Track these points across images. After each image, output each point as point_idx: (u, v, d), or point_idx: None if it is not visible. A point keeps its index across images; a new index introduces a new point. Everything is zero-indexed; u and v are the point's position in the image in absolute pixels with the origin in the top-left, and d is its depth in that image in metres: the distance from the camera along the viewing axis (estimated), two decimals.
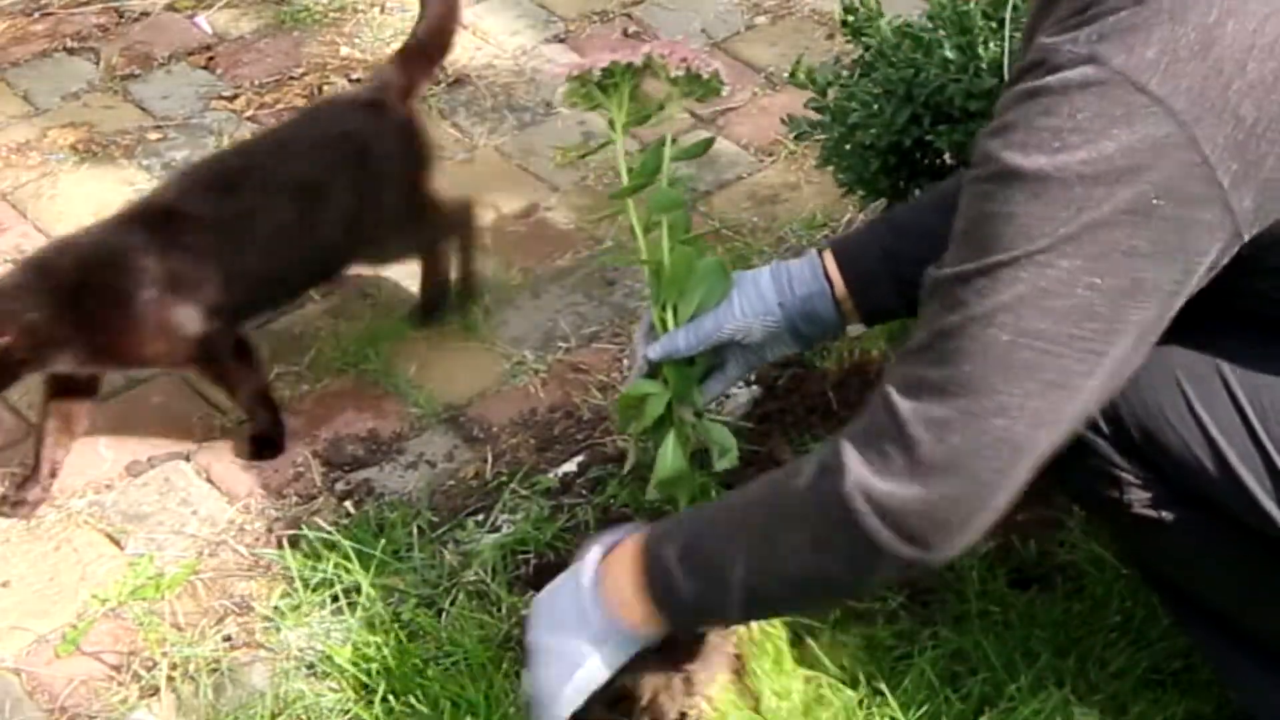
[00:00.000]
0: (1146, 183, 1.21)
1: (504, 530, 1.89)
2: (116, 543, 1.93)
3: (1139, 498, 1.46)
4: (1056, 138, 1.22)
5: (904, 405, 1.30)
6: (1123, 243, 1.22)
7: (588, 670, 1.50)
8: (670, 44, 1.66)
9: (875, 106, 1.93)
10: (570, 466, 1.99)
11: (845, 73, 2.00)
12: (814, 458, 1.39)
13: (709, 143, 1.76)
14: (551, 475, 1.97)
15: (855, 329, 1.83)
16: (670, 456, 1.69)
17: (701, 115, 2.62)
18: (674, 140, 1.70)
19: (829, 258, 1.70)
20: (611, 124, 1.66)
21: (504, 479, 1.97)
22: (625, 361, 2.14)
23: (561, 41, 2.82)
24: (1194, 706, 1.67)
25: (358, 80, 2.71)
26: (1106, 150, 1.21)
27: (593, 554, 1.52)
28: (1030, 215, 1.23)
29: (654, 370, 1.71)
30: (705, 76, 1.65)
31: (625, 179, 1.68)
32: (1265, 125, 1.21)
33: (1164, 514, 1.45)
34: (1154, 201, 1.21)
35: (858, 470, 1.32)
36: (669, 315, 1.69)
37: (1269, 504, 1.38)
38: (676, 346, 1.67)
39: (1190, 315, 1.30)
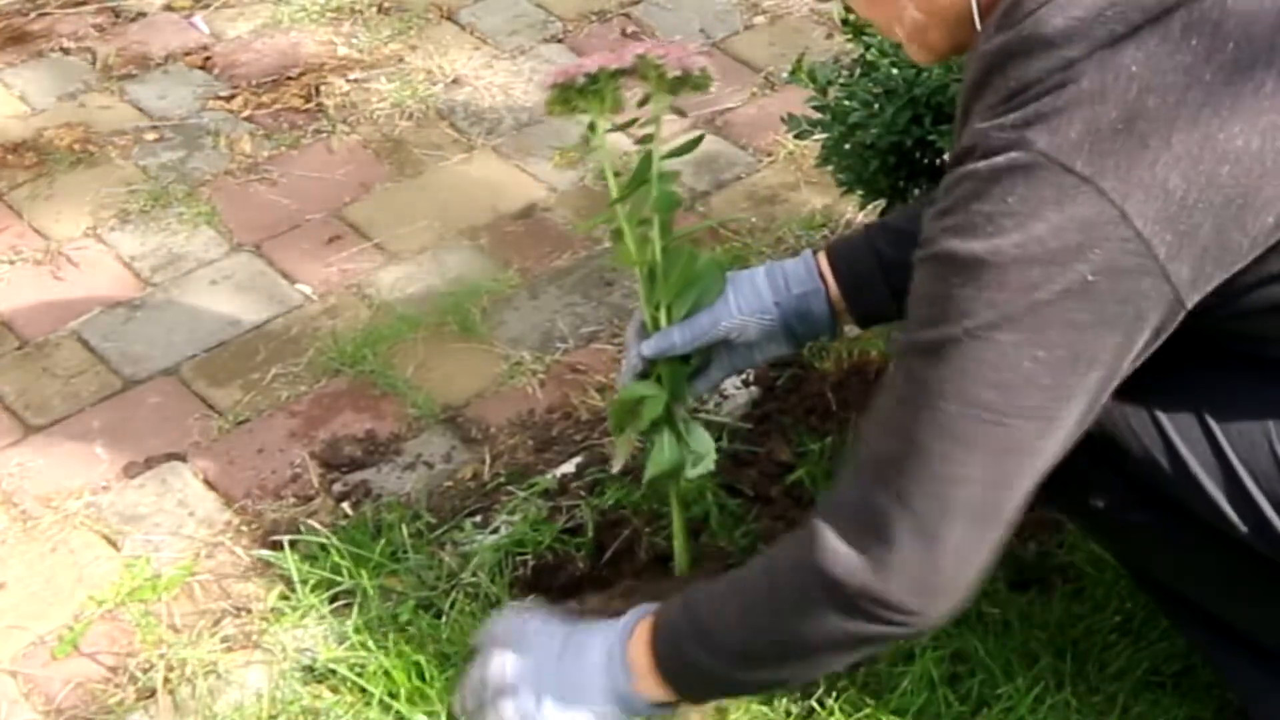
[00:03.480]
0: (1082, 261, 1.23)
1: (502, 531, 1.89)
2: (113, 544, 1.93)
3: (1106, 501, 1.47)
4: (990, 222, 1.25)
5: (869, 485, 1.34)
6: (1062, 317, 1.25)
7: None
8: (663, 44, 1.65)
9: (876, 106, 1.93)
10: (568, 467, 1.98)
11: (845, 72, 2.00)
12: (795, 541, 1.42)
13: (698, 140, 1.75)
14: (550, 476, 1.97)
15: (853, 330, 1.83)
16: (666, 451, 1.68)
17: (696, 114, 2.62)
18: (660, 139, 1.68)
19: (824, 259, 1.71)
20: (592, 128, 1.65)
21: (502, 480, 1.97)
22: (623, 364, 2.14)
23: (560, 42, 2.82)
24: (1194, 709, 1.67)
25: (355, 80, 2.71)
26: (1038, 232, 1.23)
27: (619, 633, 1.53)
28: (970, 297, 1.26)
29: (646, 370, 1.71)
30: (695, 73, 1.64)
31: (612, 182, 1.67)
32: (1195, 196, 1.22)
33: (1133, 517, 1.46)
34: (1090, 278, 1.23)
35: (829, 541, 1.35)
36: (662, 314, 1.68)
37: (1227, 508, 1.39)
38: (672, 343, 1.67)
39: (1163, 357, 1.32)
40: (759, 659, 1.47)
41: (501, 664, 1.56)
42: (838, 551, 1.35)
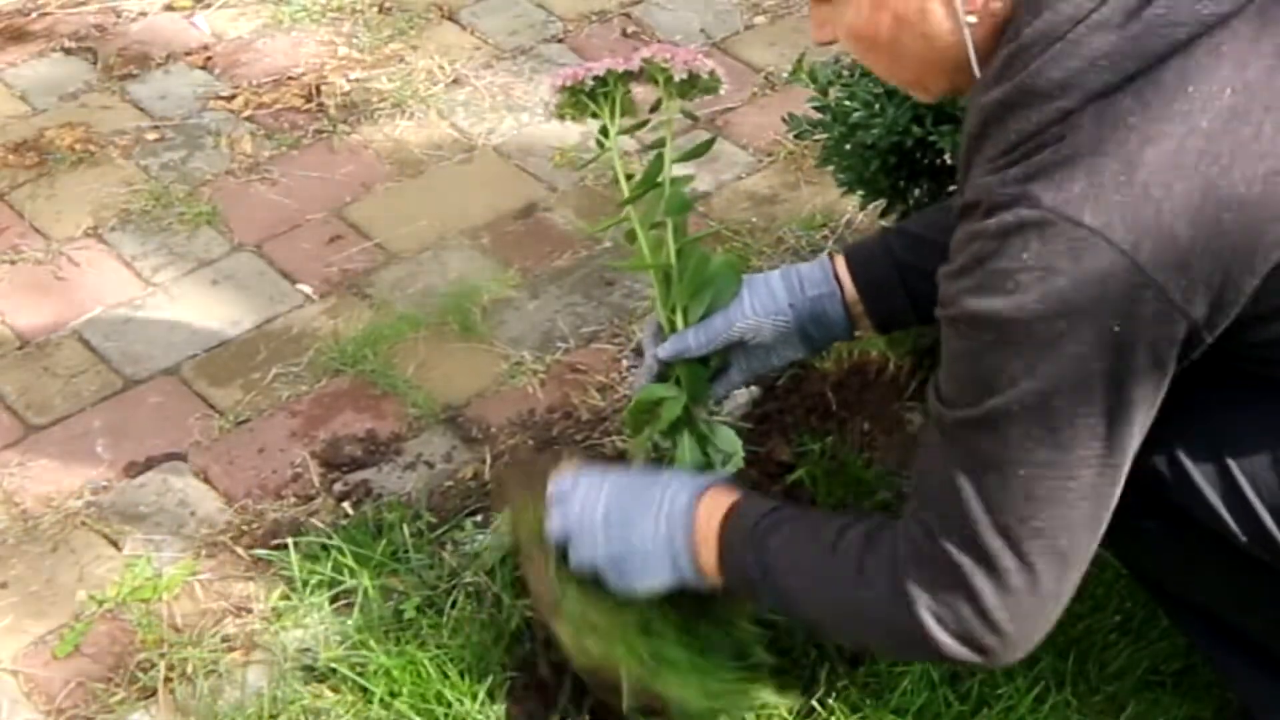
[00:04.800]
0: (1104, 313, 1.25)
1: (503, 531, 1.89)
2: (114, 544, 1.93)
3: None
4: (1009, 279, 1.26)
5: (950, 546, 1.36)
6: (1098, 370, 1.27)
7: (653, 582, 1.55)
8: (669, 47, 1.65)
9: (877, 106, 1.93)
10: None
11: (846, 72, 2.00)
12: (880, 578, 1.42)
13: (710, 143, 1.75)
14: None
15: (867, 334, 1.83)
16: (688, 454, 1.68)
17: (701, 115, 2.62)
18: (672, 142, 1.69)
19: (840, 262, 1.72)
20: (605, 131, 1.65)
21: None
22: (625, 362, 2.14)
23: (560, 42, 2.82)
24: (1194, 709, 1.67)
25: (356, 80, 2.71)
26: (1058, 286, 1.24)
27: (685, 497, 1.54)
28: (1003, 359, 1.28)
29: (663, 372, 1.71)
30: (704, 76, 1.64)
31: (624, 185, 1.67)
32: (1203, 244, 1.23)
33: (1139, 524, 1.47)
34: (1115, 329, 1.25)
35: (919, 597, 1.38)
36: (678, 317, 1.68)
37: (1227, 517, 1.40)
38: (687, 345, 1.67)
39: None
40: (817, 626, 1.56)
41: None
42: (929, 613, 1.38)
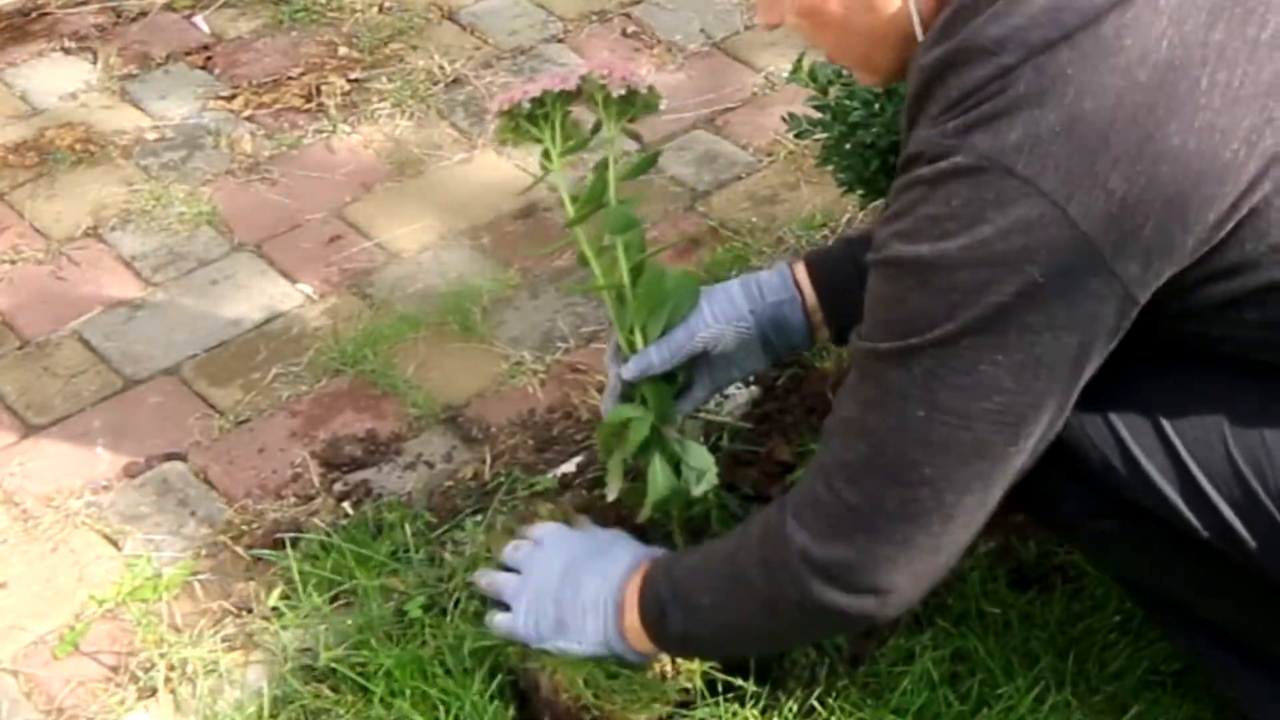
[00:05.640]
0: (1030, 262, 1.25)
1: (499, 530, 1.89)
2: (114, 543, 1.93)
3: (1073, 510, 1.49)
4: (936, 226, 1.27)
5: (840, 486, 1.38)
6: (1018, 320, 1.27)
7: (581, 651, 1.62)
8: (608, 62, 1.63)
9: (876, 105, 1.93)
10: (569, 467, 1.98)
11: (846, 72, 2.00)
12: (761, 523, 1.49)
13: (653, 159, 1.74)
14: (550, 476, 1.97)
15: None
16: (660, 478, 1.68)
17: (701, 115, 2.62)
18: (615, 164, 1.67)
19: (800, 269, 1.73)
20: (547, 155, 1.63)
21: (503, 480, 1.97)
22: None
23: (560, 41, 2.82)
24: (1194, 709, 1.67)
25: (355, 80, 2.71)
26: (984, 234, 1.25)
27: (616, 581, 1.61)
28: (923, 301, 1.29)
29: (629, 392, 1.70)
30: (643, 92, 1.63)
31: (570, 208, 1.66)
32: (1136, 195, 1.24)
33: (1101, 525, 1.48)
34: (1039, 279, 1.25)
35: (800, 540, 1.41)
36: (637, 336, 1.67)
37: (1186, 511, 1.40)
38: (650, 363, 1.67)
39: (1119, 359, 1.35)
40: (732, 633, 1.55)
41: (507, 579, 1.68)
42: (810, 550, 1.40)
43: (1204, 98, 1.24)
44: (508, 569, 1.72)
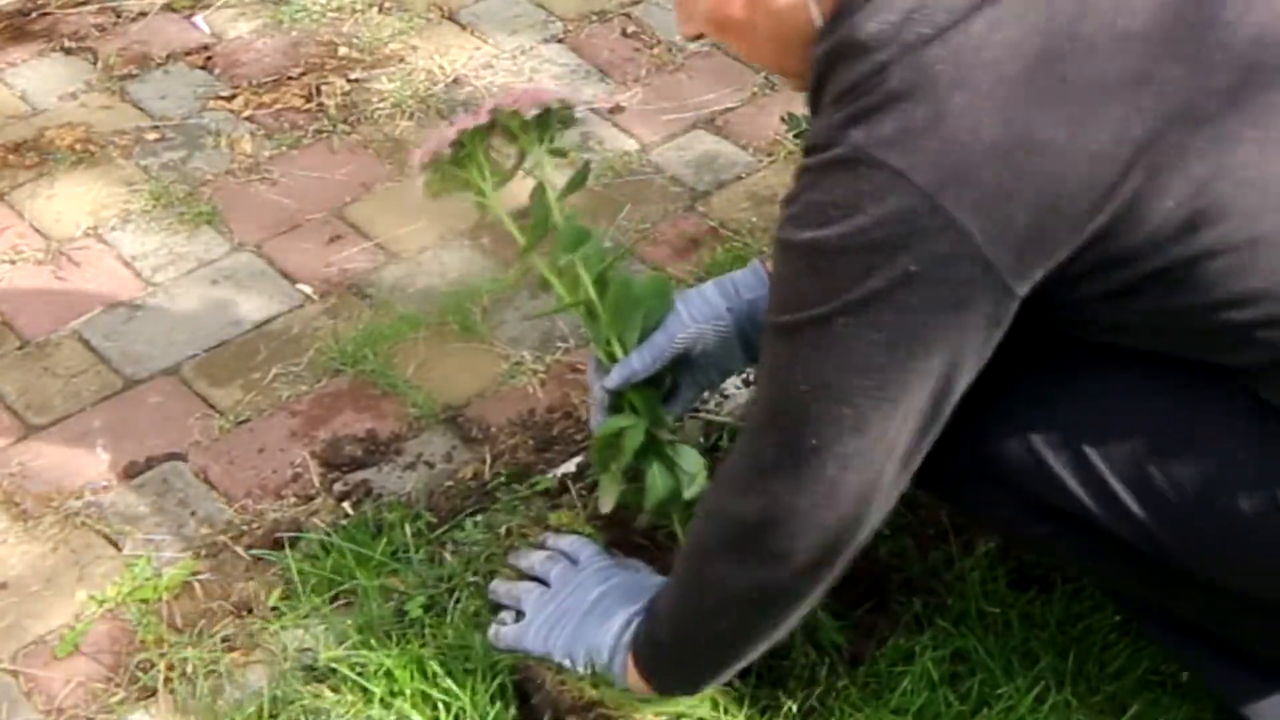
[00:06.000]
0: (904, 251, 1.28)
1: (503, 531, 1.89)
2: (114, 544, 1.93)
3: (1007, 517, 1.52)
4: (820, 213, 1.32)
5: (744, 452, 1.47)
6: (894, 302, 1.30)
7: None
8: (511, 92, 1.64)
9: None
10: (569, 467, 1.98)
11: None
12: (699, 514, 1.57)
13: (585, 172, 1.75)
14: (550, 476, 1.97)
15: None
16: (659, 482, 1.69)
17: (701, 115, 2.62)
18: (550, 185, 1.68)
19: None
20: (481, 193, 1.64)
21: (503, 480, 1.97)
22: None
23: (560, 42, 2.82)
24: (1193, 709, 1.67)
25: (355, 80, 2.71)
26: (859, 224, 1.29)
27: (623, 641, 1.63)
28: (807, 282, 1.35)
29: (615, 403, 1.70)
30: (554, 107, 1.64)
31: (518, 235, 1.67)
32: (1009, 187, 1.26)
33: (1036, 530, 1.51)
34: (913, 267, 1.29)
35: (713, 499, 1.51)
36: (615, 347, 1.68)
37: (1091, 504, 1.43)
38: (633, 370, 1.68)
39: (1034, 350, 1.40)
40: (688, 628, 1.57)
41: (530, 588, 1.71)
42: (722, 508, 1.49)
43: (1072, 90, 1.27)
44: (527, 577, 1.72)
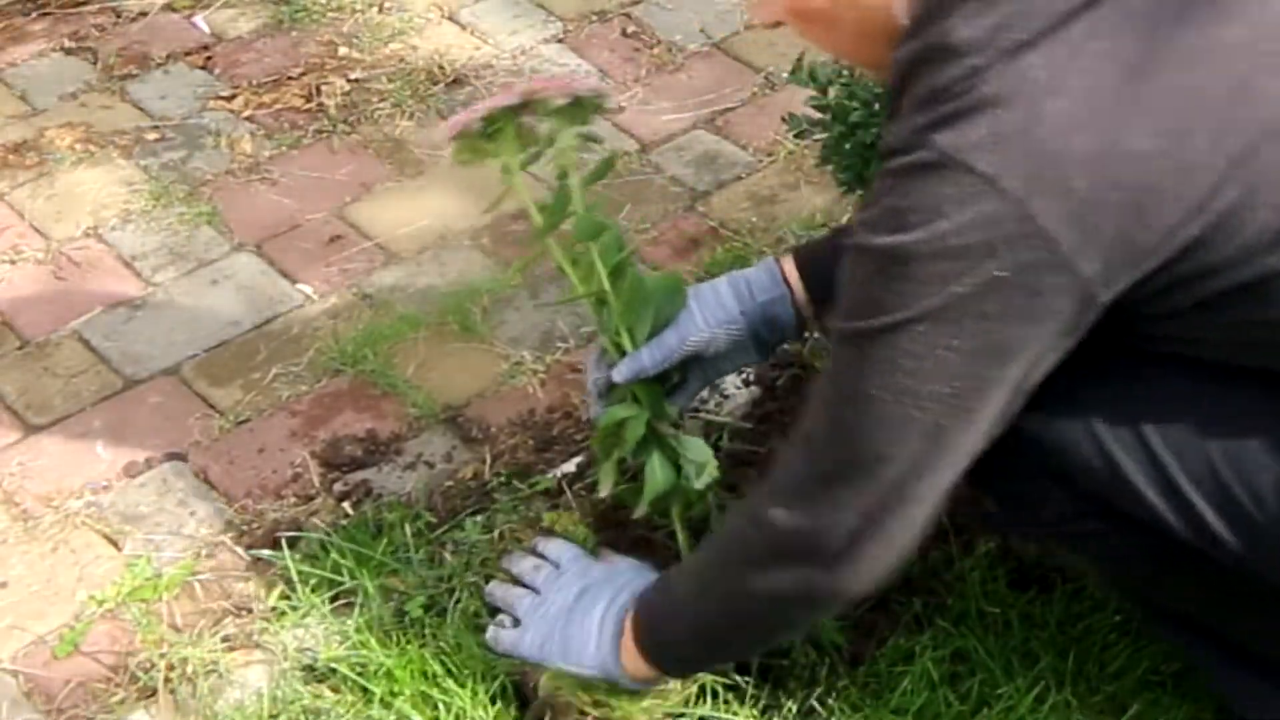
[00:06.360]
0: (989, 257, 1.26)
1: (502, 531, 1.89)
2: (114, 544, 1.93)
3: (1056, 514, 1.50)
4: (898, 218, 1.29)
5: (806, 461, 1.44)
6: (972, 309, 1.29)
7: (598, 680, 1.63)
8: (544, 80, 1.64)
9: (876, 105, 1.93)
10: (569, 467, 1.98)
11: (846, 71, 2.00)
12: (737, 507, 1.56)
13: (611, 162, 1.75)
14: (550, 476, 1.97)
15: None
16: (659, 473, 1.68)
17: (701, 115, 2.62)
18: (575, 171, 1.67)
19: (788, 263, 1.74)
20: (507, 169, 1.64)
21: (503, 480, 1.97)
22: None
23: (560, 42, 2.82)
24: (1193, 709, 1.67)
25: (355, 80, 2.71)
26: (940, 229, 1.27)
27: (619, 606, 1.63)
28: (884, 288, 1.32)
29: (620, 393, 1.70)
30: (586, 96, 1.64)
31: (537, 218, 1.67)
32: (1099, 196, 1.25)
33: (1085, 527, 1.49)
34: (997, 274, 1.27)
35: (768, 512, 1.45)
36: (624, 339, 1.67)
37: (1166, 513, 1.41)
38: (642, 366, 1.67)
39: (1101, 359, 1.37)
40: (708, 627, 1.56)
41: (521, 595, 1.70)
42: (777, 521, 1.43)
43: (1168, 100, 1.25)
44: (521, 584, 1.72)
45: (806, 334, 1.76)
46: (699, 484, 1.69)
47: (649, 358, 1.68)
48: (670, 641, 1.59)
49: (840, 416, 1.39)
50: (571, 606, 1.65)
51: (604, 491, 1.73)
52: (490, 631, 1.70)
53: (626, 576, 1.67)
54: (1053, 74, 1.25)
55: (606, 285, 1.66)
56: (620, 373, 1.68)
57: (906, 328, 1.30)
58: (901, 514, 1.39)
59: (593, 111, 1.65)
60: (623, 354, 1.68)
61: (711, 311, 1.70)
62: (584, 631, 1.63)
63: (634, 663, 1.60)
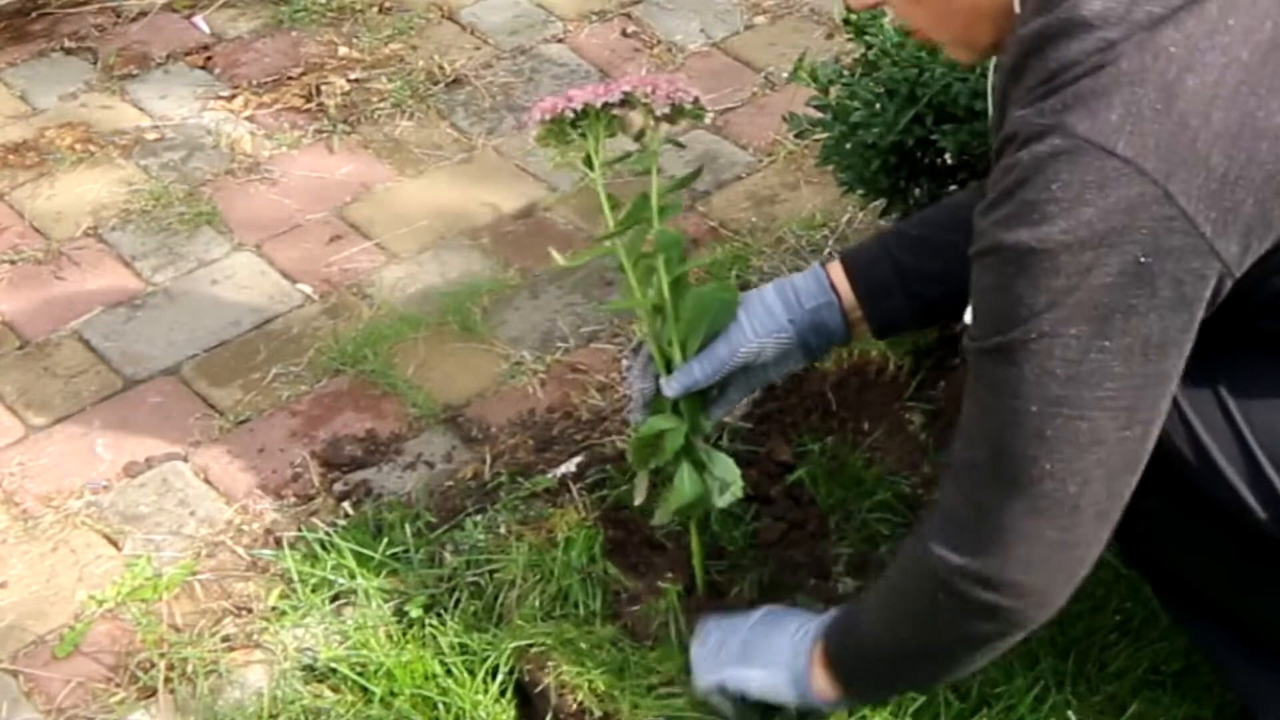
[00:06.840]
0: (1130, 243, 1.23)
1: (502, 531, 1.89)
2: (114, 543, 1.93)
3: None
4: (1035, 210, 1.25)
5: (968, 492, 1.38)
6: (1120, 304, 1.25)
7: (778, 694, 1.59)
8: (651, 79, 1.63)
9: (877, 105, 1.93)
10: (569, 467, 1.98)
11: (847, 72, 2.00)
12: (907, 548, 1.49)
13: (697, 174, 1.73)
14: (550, 476, 1.97)
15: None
16: (687, 485, 1.67)
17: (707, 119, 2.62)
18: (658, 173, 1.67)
19: (835, 269, 1.70)
20: (589, 162, 1.63)
21: (503, 480, 1.97)
22: (625, 362, 2.13)
23: (560, 42, 2.82)
24: (1194, 708, 1.67)
25: (356, 80, 2.71)
26: (1084, 217, 1.23)
27: (817, 622, 1.59)
28: (1028, 291, 1.27)
29: (657, 404, 1.69)
30: (688, 106, 1.63)
31: (609, 217, 1.65)
32: (1237, 173, 1.23)
33: (1147, 504, 1.46)
34: (1141, 260, 1.24)
35: (939, 551, 1.39)
36: (675, 351, 1.65)
37: (1248, 495, 1.39)
38: (694, 379, 1.65)
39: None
40: (896, 662, 1.52)
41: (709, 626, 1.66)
42: (949, 560, 1.38)
43: None
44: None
45: (854, 339, 1.74)
46: (721, 502, 1.68)
47: (700, 371, 1.65)
48: (865, 671, 1.56)
49: (995, 441, 1.33)
50: (754, 625, 1.62)
51: (638, 500, 1.72)
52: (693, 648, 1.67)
53: (802, 610, 1.65)
54: (1190, 50, 1.23)
55: (666, 295, 1.65)
56: (672, 387, 1.65)
57: (1055, 332, 1.27)
58: (1078, 531, 1.35)
59: (690, 119, 1.64)
60: (669, 363, 1.66)
61: (760, 321, 1.67)
62: (773, 643, 1.59)
63: (822, 686, 1.56)
